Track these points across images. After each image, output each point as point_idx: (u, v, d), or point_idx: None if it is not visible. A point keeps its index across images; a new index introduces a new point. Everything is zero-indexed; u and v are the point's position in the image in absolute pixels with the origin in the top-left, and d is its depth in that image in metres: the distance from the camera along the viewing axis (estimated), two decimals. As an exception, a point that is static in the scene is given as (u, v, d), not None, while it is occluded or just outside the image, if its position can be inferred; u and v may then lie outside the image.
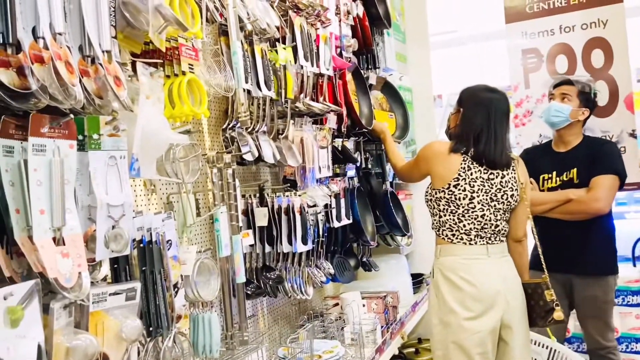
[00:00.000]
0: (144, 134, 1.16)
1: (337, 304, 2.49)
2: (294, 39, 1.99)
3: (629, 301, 3.62)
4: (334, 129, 2.32)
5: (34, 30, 0.95)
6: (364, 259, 2.66)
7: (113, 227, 1.06)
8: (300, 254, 1.97)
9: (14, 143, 0.93)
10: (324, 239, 2.15)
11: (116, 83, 1.05)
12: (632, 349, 3.61)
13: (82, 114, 1.06)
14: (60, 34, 0.95)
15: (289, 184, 2.07)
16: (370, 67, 2.86)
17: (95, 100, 1.03)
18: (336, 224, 2.23)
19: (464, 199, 2.19)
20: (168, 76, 1.33)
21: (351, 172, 2.53)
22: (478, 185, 2.19)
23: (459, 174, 2.19)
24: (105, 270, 1.08)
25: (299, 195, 1.96)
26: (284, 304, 2.29)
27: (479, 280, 2.17)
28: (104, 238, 1.04)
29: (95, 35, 1.04)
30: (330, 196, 2.18)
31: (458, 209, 2.20)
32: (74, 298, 0.93)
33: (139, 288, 1.10)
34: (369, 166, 2.81)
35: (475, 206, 2.19)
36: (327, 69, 2.21)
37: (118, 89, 1.05)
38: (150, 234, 1.19)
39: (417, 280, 3.22)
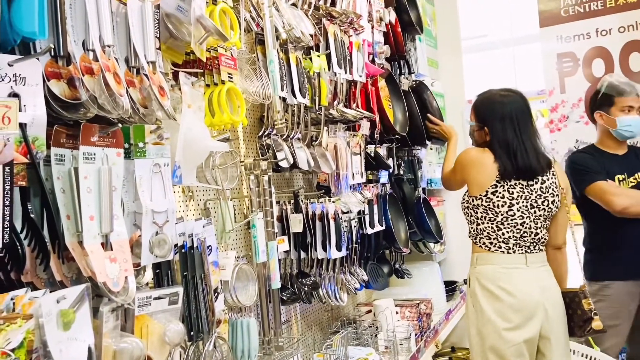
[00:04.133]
0: (185, 142, 1.19)
1: (370, 311, 2.48)
2: (327, 47, 2.00)
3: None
4: (366, 135, 2.32)
5: (84, 43, 0.99)
6: (397, 266, 2.65)
7: (157, 233, 1.09)
8: (335, 260, 1.97)
9: (64, 151, 0.97)
10: (357, 246, 2.15)
11: (160, 93, 1.09)
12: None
13: (128, 123, 1.09)
14: (109, 46, 0.99)
15: (323, 191, 2.09)
16: (403, 73, 2.85)
17: (140, 109, 1.06)
18: (369, 231, 2.23)
19: (502, 206, 2.13)
20: (208, 85, 1.36)
21: (384, 179, 2.53)
22: (517, 192, 2.13)
23: (497, 181, 2.14)
24: (149, 275, 1.11)
25: (333, 202, 1.96)
26: (317, 310, 2.29)
27: (518, 290, 2.11)
28: (149, 244, 1.06)
29: (140, 46, 1.07)
30: (363, 202, 2.19)
31: (497, 216, 2.14)
32: (122, 302, 0.96)
33: (181, 292, 1.13)
34: (401, 172, 2.80)
35: (514, 214, 2.13)
36: (360, 76, 2.22)
37: (162, 99, 1.08)
38: (192, 239, 1.21)
39: (451, 287, 3.18)
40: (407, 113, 2.67)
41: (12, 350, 0.79)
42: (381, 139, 2.51)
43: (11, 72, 0.87)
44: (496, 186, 2.14)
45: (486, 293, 2.15)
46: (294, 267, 1.89)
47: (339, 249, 1.92)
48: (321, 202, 1.93)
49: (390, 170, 2.61)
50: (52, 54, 0.95)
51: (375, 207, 2.30)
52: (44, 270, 0.95)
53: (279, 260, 1.74)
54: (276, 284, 1.61)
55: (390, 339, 2.17)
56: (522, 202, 2.14)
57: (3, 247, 0.84)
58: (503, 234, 2.15)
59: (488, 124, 2.21)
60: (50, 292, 0.88)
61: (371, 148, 2.40)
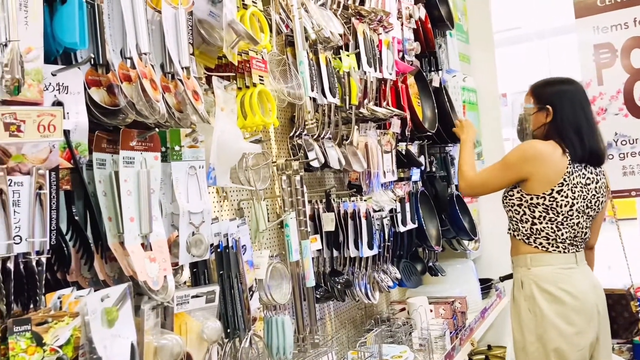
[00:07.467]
0: (219, 144, 1.22)
1: (403, 309, 2.48)
2: (357, 46, 2.01)
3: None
4: (397, 133, 2.32)
5: (121, 52, 1.03)
6: (430, 264, 2.63)
7: (193, 233, 1.12)
8: (367, 258, 1.98)
9: (105, 156, 1.01)
10: (389, 244, 2.15)
11: (194, 97, 1.12)
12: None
13: (164, 128, 1.13)
14: (145, 53, 1.03)
15: (354, 189, 2.09)
16: (433, 69, 2.83)
17: (175, 114, 1.10)
18: (402, 229, 2.22)
19: (565, 206, 2.02)
20: (240, 88, 1.39)
21: (415, 176, 2.51)
22: (578, 192, 2.03)
23: (564, 179, 2.01)
24: (186, 274, 1.14)
25: (365, 200, 1.97)
26: (350, 308, 2.31)
27: (579, 291, 2.02)
28: (186, 244, 1.10)
29: (175, 53, 1.11)
30: (395, 200, 2.18)
31: (557, 216, 2.03)
32: (162, 300, 1.00)
33: (217, 291, 1.16)
34: (434, 169, 2.78)
35: (573, 214, 2.04)
36: (390, 74, 2.22)
37: (196, 103, 1.11)
38: (227, 239, 1.24)
39: (486, 285, 3.14)
40: (436, 110, 2.64)
41: (60, 346, 0.83)
42: (412, 137, 2.49)
43: (55, 81, 0.92)
44: (562, 184, 2.02)
45: (547, 296, 2.03)
46: (327, 265, 1.90)
47: (370, 247, 1.93)
48: (353, 201, 1.94)
49: (422, 168, 2.59)
50: (92, 62, 0.99)
51: (407, 205, 2.30)
52: (89, 270, 0.99)
53: (312, 258, 1.76)
54: (310, 282, 1.63)
55: (424, 337, 2.16)
56: (581, 202, 2.05)
57: (50, 248, 0.88)
58: (562, 234, 2.05)
59: (556, 105, 2.08)
60: (95, 290, 0.92)
61: (402, 146, 2.39)
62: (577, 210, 2.05)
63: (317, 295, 1.79)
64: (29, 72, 0.84)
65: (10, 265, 0.82)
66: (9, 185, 0.83)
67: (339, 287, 1.86)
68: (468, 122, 2.57)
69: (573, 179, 2.03)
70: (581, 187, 2.05)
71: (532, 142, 2.11)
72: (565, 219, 2.04)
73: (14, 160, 0.84)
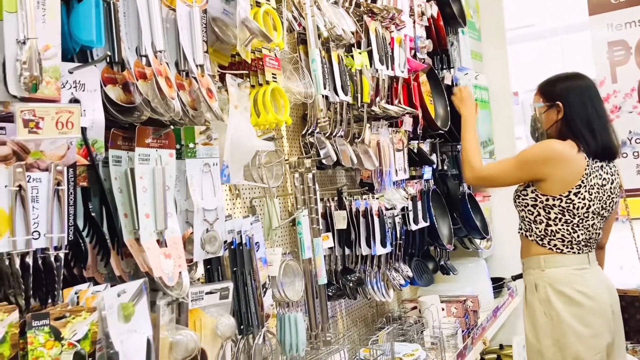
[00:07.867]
0: (233, 142, 1.22)
1: (415, 307, 2.47)
2: (369, 43, 2.01)
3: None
4: (409, 131, 2.31)
5: (137, 50, 1.04)
6: (442, 262, 2.62)
7: (207, 230, 1.13)
8: (379, 256, 1.98)
9: (121, 153, 1.02)
10: (401, 242, 2.14)
11: (209, 95, 1.12)
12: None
13: (179, 125, 1.13)
14: (160, 51, 1.03)
15: (366, 187, 2.09)
16: (445, 67, 2.82)
17: (189, 111, 1.10)
18: (413, 227, 2.22)
19: (581, 208, 1.98)
20: (253, 86, 1.39)
21: (427, 174, 2.51)
22: (594, 193, 1.99)
23: (582, 181, 1.96)
24: (200, 270, 1.15)
25: (377, 198, 1.97)
26: (362, 306, 2.31)
27: (594, 292, 1.98)
28: (200, 240, 1.10)
29: (189, 50, 1.11)
30: (407, 199, 2.18)
31: (573, 218, 1.98)
32: (177, 296, 1.00)
33: (231, 287, 1.16)
34: (445, 168, 2.77)
35: (589, 215, 1.99)
36: (402, 72, 2.21)
37: (210, 101, 1.11)
38: (241, 236, 1.25)
39: (498, 284, 3.12)
40: (448, 108, 2.63)
41: (78, 341, 0.84)
42: (424, 135, 2.49)
43: (72, 79, 0.93)
44: (580, 186, 1.96)
45: (563, 298, 1.98)
46: (339, 263, 1.90)
47: (383, 245, 1.92)
48: (365, 199, 1.94)
49: (434, 166, 2.58)
50: (108, 60, 1.00)
51: (419, 204, 2.29)
52: (105, 266, 1.00)
53: (324, 256, 1.76)
54: (322, 279, 1.63)
55: (436, 336, 2.15)
56: (596, 203, 2.01)
57: (67, 244, 0.89)
58: (578, 236, 2.01)
59: (565, 99, 2.03)
60: (111, 286, 0.93)
61: (414, 144, 2.38)
62: (592, 212, 2.01)
63: (329, 293, 1.80)
64: (47, 69, 0.85)
65: (29, 260, 0.83)
66: (28, 181, 0.84)
67: (350, 285, 1.87)
68: (467, 90, 2.35)
69: (590, 180, 1.98)
70: (597, 188, 2.00)
71: (550, 142, 2.04)
72: (580, 221, 1.99)
73: (32, 156, 0.85)
